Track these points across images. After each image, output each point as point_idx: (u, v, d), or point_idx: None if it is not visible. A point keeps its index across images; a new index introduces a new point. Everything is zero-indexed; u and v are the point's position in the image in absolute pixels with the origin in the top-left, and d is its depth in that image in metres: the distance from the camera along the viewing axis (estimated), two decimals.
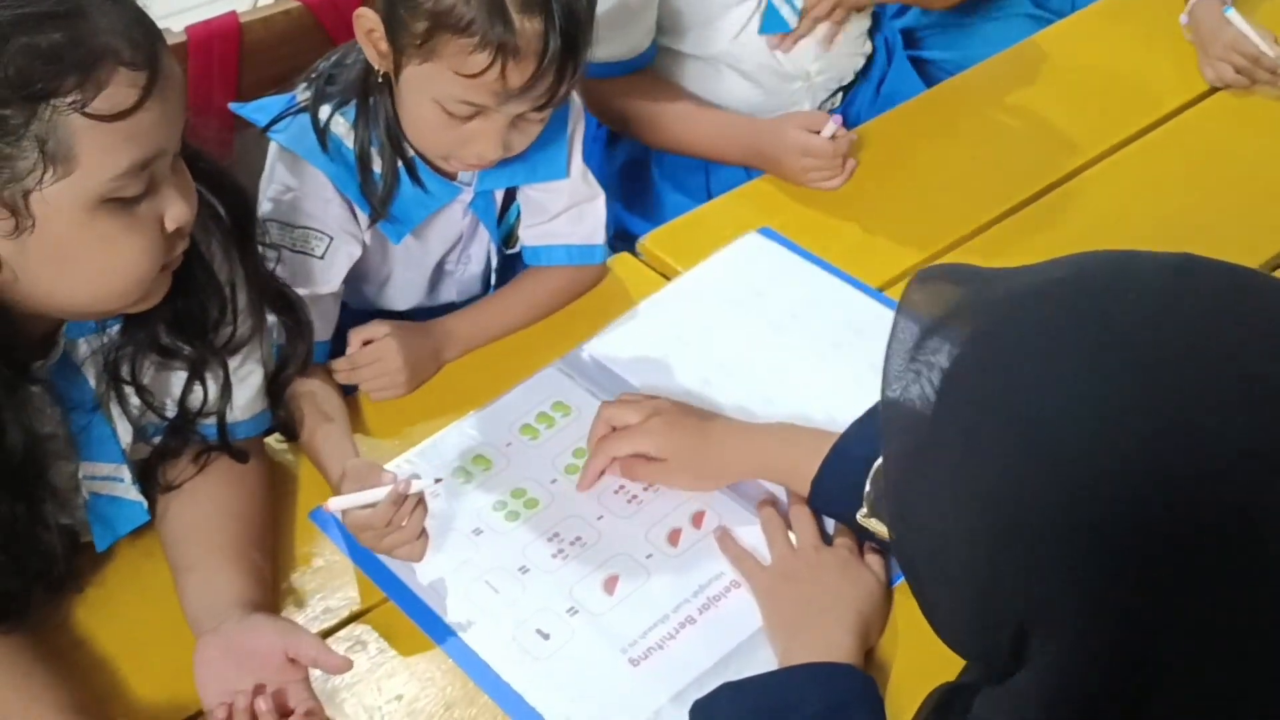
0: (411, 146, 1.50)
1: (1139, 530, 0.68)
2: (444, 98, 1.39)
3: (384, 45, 1.41)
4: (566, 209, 1.64)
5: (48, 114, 1.05)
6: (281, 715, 1.19)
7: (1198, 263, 0.76)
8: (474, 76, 1.35)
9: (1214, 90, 2.03)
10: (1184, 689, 0.70)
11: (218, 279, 1.29)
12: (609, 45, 1.82)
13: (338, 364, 1.53)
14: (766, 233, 1.79)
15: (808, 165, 1.82)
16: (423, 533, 1.33)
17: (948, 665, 0.94)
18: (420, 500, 1.30)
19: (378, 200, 1.50)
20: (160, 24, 1.68)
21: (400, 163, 1.50)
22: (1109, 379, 0.71)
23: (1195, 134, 1.96)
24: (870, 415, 1.35)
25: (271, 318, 1.40)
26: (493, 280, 1.72)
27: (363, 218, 1.54)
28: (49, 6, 1.05)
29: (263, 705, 1.18)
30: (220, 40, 1.74)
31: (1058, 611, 0.71)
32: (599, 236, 1.67)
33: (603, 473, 1.44)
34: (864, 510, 1.27)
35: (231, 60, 1.76)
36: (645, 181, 2.06)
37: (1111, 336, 0.72)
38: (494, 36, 1.33)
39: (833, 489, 1.33)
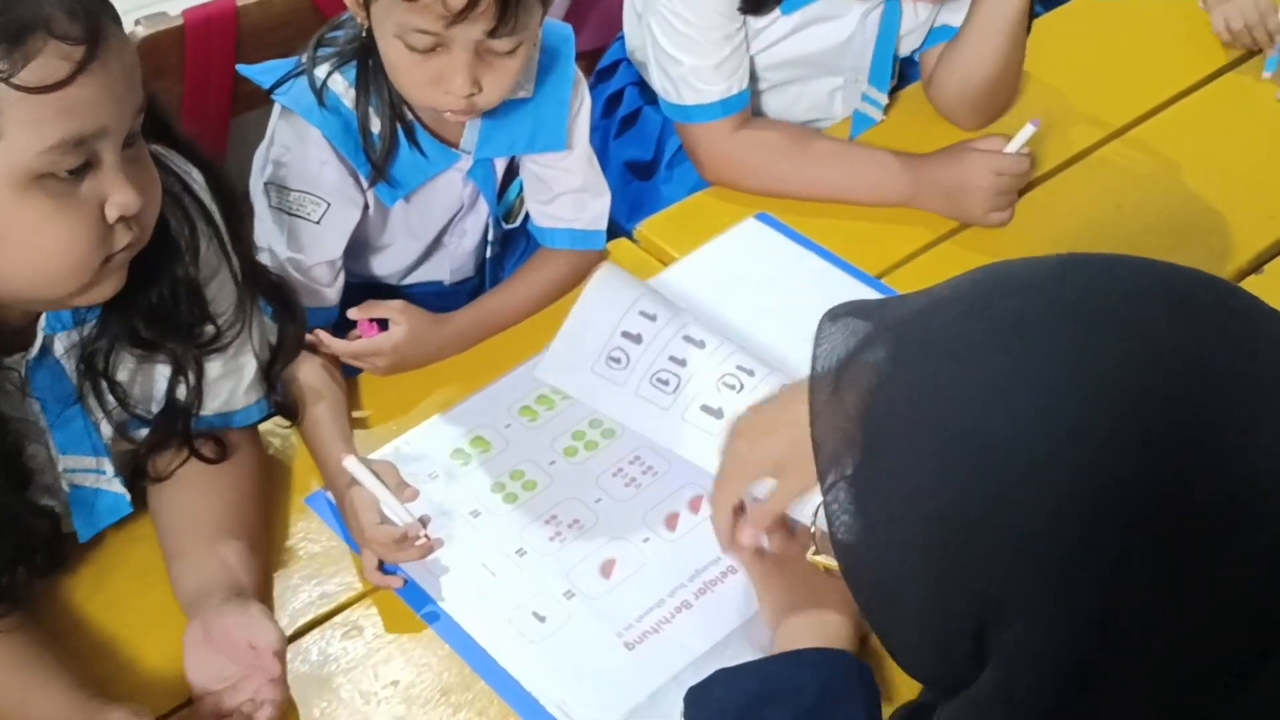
0: (411, 111, 1.51)
1: (1075, 509, 0.69)
2: (400, 30, 1.39)
3: None
4: (571, 192, 1.64)
5: None
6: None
7: (1078, 256, 0.78)
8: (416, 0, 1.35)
9: (1222, 72, 2.03)
10: (1140, 662, 0.70)
11: (194, 277, 1.27)
12: (709, 83, 1.78)
13: (329, 339, 1.51)
14: (764, 218, 1.78)
15: (1000, 186, 1.73)
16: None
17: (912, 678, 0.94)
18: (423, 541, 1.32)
19: (377, 160, 1.51)
20: (158, 7, 1.68)
21: (400, 126, 1.51)
22: (1026, 369, 0.72)
23: (1203, 116, 1.97)
24: None
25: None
26: (488, 253, 1.72)
27: (363, 180, 1.54)
28: None
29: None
30: (218, 24, 1.74)
31: (1009, 605, 0.71)
32: (601, 224, 1.67)
33: None
34: (812, 549, 1.27)
35: (229, 44, 1.76)
36: (650, 180, 2.02)
37: (1016, 327, 0.74)
38: None
39: None
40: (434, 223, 1.66)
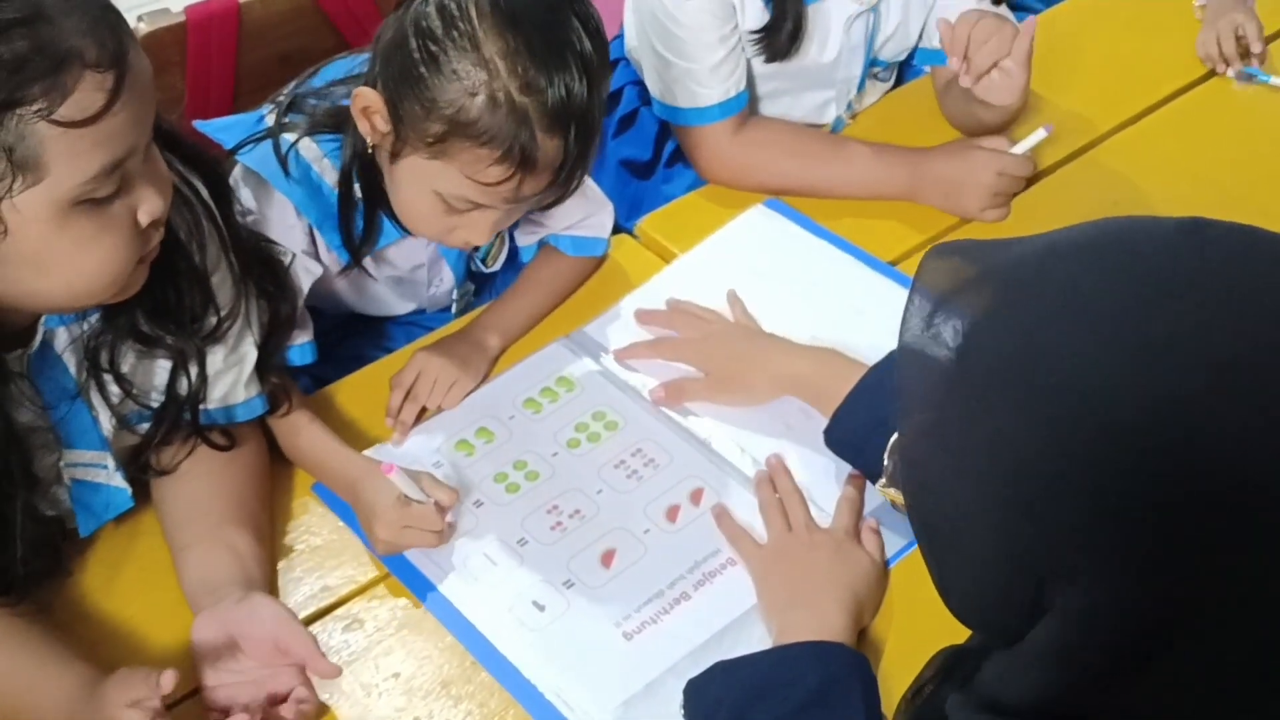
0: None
1: (1162, 484, 0.68)
2: (448, 194, 1.36)
3: (382, 124, 1.36)
4: (573, 224, 1.63)
5: (13, 123, 1.03)
6: (273, 702, 1.19)
7: (1205, 222, 0.76)
8: (488, 185, 1.33)
9: (1211, 75, 2.03)
10: (1206, 635, 0.69)
11: (197, 267, 1.28)
12: (707, 85, 1.77)
13: (393, 404, 1.50)
14: (773, 204, 1.78)
15: (1000, 185, 1.73)
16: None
17: (941, 644, 0.94)
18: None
19: (355, 245, 1.48)
20: (160, 4, 1.68)
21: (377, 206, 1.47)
22: (1132, 337, 0.70)
23: (1193, 118, 1.96)
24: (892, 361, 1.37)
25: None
26: (454, 295, 1.69)
27: (320, 241, 1.50)
28: (10, 12, 1.03)
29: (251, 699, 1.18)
30: (219, 21, 1.74)
31: (1076, 562, 0.70)
32: (603, 233, 1.67)
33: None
34: (882, 480, 1.28)
35: (230, 41, 1.76)
36: (649, 180, 2.00)
37: (1131, 296, 0.71)
38: (516, 152, 1.30)
39: (848, 430, 1.37)
40: (397, 273, 1.63)
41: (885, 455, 1.25)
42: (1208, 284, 0.70)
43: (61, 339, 1.24)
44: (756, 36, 1.77)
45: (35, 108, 1.03)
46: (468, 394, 1.52)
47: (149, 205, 1.13)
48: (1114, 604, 0.70)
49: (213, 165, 1.31)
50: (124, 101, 1.07)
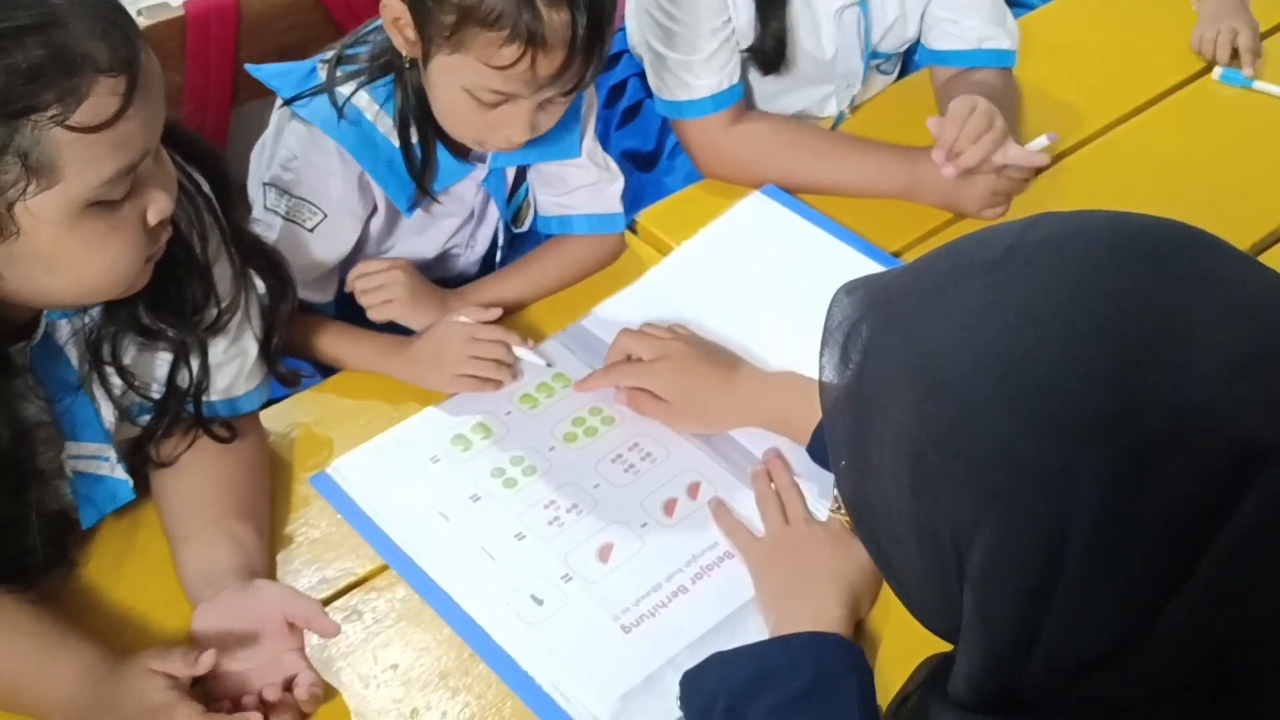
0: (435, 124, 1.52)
1: (1021, 435, 0.71)
2: (474, 87, 1.40)
3: (411, 33, 1.42)
4: (586, 185, 1.65)
5: (29, 129, 1.03)
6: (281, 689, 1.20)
7: (1053, 212, 0.81)
8: (504, 68, 1.37)
9: (1203, 73, 2.03)
10: (1090, 581, 0.71)
11: (198, 260, 1.29)
12: (701, 77, 1.77)
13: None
14: (771, 191, 1.78)
15: (1000, 186, 1.73)
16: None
17: (937, 636, 0.94)
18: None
19: (419, 175, 1.53)
20: None
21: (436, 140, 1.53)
22: (964, 312, 0.75)
23: (1185, 116, 1.97)
24: None
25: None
26: (498, 257, 1.73)
27: (379, 192, 1.55)
28: (24, 18, 1.03)
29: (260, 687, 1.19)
30: (218, 15, 1.75)
31: (974, 527, 0.73)
32: (618, 207, 1.68)
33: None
34: (836, 505, 1.28)
35: (230, 35, 1.77)
36: (652, 171, 2.01)
37: (964, 276, 0.77)
38: (523, 29, 1.34)
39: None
40: (444, 231, 1.67)
41: (833, 490, 1.25)
42: (1023, 259, 0.76)
43: (63, 331, 1.25)
44: (745, 54, 1.78)
45: (50, 114, 1.04)
46: (390, 319, 1.55)
47: (158, 205, 1.15)
48: (1007, 561, 0.72)
49: (214, 159, 1.32)
50: (137, 105, 1.07)
